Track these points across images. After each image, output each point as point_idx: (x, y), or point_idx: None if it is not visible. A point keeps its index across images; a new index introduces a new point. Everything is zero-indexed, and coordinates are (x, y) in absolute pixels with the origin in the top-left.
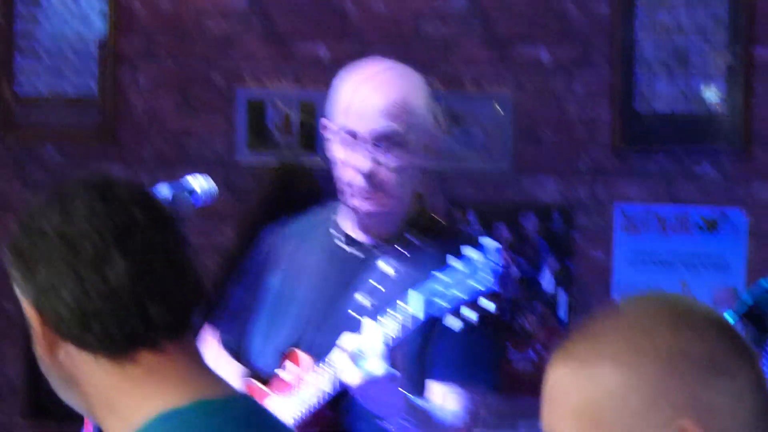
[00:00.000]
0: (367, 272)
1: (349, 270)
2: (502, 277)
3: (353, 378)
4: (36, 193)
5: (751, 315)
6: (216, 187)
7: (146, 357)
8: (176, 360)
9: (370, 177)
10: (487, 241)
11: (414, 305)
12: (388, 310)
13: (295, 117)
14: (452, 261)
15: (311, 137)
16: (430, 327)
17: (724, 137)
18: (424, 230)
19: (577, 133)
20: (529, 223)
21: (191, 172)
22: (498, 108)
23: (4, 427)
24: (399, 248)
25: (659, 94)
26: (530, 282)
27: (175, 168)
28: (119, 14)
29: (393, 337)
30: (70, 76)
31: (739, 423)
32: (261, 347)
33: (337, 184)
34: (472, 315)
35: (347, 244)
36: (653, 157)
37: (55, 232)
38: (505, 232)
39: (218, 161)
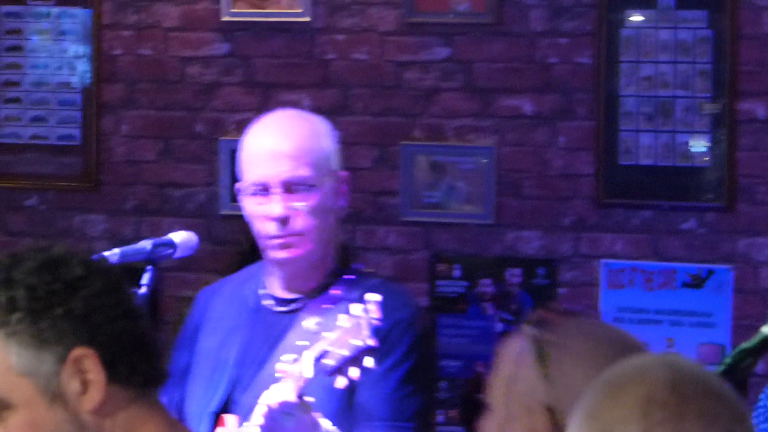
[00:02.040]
0: (292, 330)
1: (275, 329)
2: (377, 332)
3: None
4: (19, 242)
5: (731, 376)
6: (196, 240)
7: (154, 399)
8: (163, 409)
9: (284, 222)
10: (369, 296)
11: (305, 366)
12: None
13: None
14: (340, 320)
15: None
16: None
17: (709, 192)
18: (348, 282)
19: (561, 186)
20: (513, 277)
21: (173, 221)
22: (482, 161)
23: None
24: (322, 302)
25: (643, 148)
26: None
27: (156, 217)
28: (102, 62)
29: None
30: (53, 124)
31: None
32: (197, 411)
33: (258, 242)
34: (355, 373)
35: (274, 303)
36: (638, 212)
37: (92, 275)
38: (489, 287)
39: (200, 212)
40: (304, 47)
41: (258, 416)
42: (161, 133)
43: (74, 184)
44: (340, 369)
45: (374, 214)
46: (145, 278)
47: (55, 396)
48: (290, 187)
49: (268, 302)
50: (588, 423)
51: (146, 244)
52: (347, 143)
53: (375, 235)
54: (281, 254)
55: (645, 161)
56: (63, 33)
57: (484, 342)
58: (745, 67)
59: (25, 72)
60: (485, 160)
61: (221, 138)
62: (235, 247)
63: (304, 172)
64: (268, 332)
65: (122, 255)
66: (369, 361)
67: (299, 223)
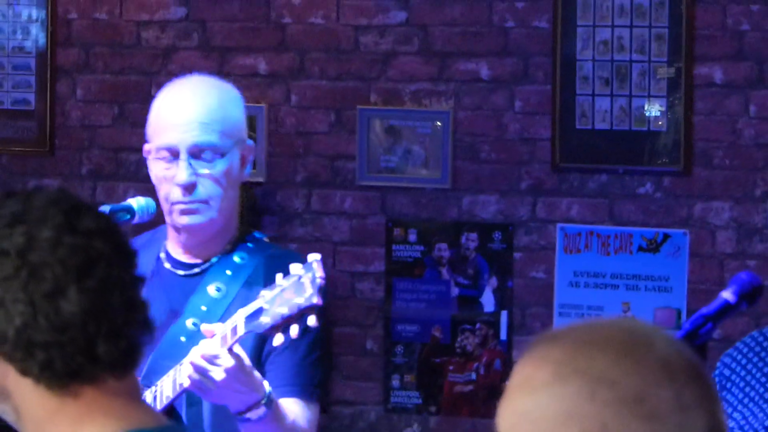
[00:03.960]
0: (195, 295)
1: (177, 293)
2: (323, 291)
3: (199, 380)
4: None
5: (690, 341)
6: (155, 205)
7: (86, 392)
8: (116, 395)
9: (190, 189)
10: (311, 256)
11: (238, 323)
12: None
13: None
14: (278, 279)
15: None
16: (262, 344)
17: (666, 156)
18: (249, 249)
19: (517, 150)
20: (469, 242)
21: (128, 185)
22: (437, 124)
23: None
24: (225, 268)
25: (599, 112)
26: (470, 302)
27: (112, 182)
28: (57, 26)
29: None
30: (8, 89)
31: None
32: None
33: (161, 206)
34: (294, 331)
35: (175, 267)
36: (594, 176)
37: (17, 255)
38: (445, 252)
39: None
40: (261, 11)
41: (186, 372)
42: (116, 97)
43: (29, 149)
44: (277, 327)
45: (330, 178)
46: None
47: None
48: (198, 154)
49: (168, 266)
50: (604, 387)
51: (104, 209)
52: (303, 107)
53: (331, 199)
54: (184, 220)
55: (601, 125)
56: None
57: (440, 306)
58: (701, 31)
59: None
60: (441, 124)
61: None
62: None
63: (213, 138)
64: (170, 296)
65: None
66: (312, 320)
67: (205, 190)
